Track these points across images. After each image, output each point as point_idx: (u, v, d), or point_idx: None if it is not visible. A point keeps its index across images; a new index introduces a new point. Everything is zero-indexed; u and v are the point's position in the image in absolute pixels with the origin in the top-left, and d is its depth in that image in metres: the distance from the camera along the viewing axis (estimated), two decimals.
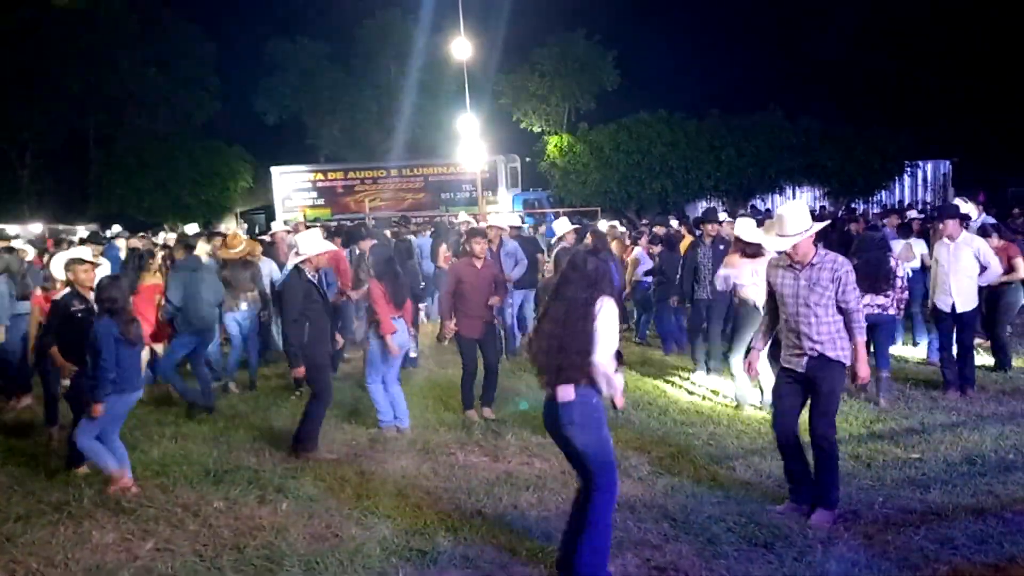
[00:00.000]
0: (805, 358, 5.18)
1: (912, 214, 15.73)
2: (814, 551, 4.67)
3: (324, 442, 7.11)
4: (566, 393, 4.27)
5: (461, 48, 23.83)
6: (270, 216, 31.77)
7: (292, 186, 32.24)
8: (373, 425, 7.46)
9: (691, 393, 8.56)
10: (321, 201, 31.65)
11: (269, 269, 10.00)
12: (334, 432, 7.43)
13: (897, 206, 27.08)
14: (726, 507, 5.39)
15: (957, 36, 29.01)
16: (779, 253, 5.45)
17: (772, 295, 5.42)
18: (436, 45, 32.77)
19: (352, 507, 5.63)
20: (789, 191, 30.86)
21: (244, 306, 9.23)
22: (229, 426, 7.78)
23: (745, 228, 7.72)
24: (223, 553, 5.00)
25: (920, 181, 30.78)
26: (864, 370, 5.22)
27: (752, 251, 7.56)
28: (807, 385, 5.21)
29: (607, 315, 4.30)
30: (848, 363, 5.20)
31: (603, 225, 11.30)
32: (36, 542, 5.26)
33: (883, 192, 30.30)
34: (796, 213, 5.24)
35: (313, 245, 6.90)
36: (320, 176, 32.42)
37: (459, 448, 6.89)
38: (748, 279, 7.55)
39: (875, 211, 27.37)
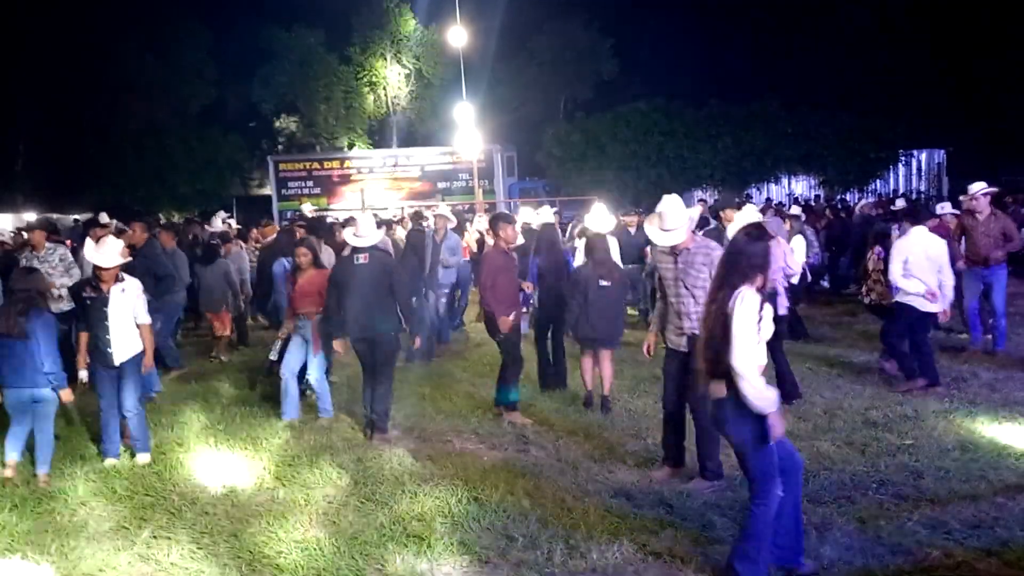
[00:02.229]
0: (685, 337, 5.56)
1: (900, 203, 15.79)
2: (808, 537, 4.69)
3: (319, 432, 7.14)
4: (718, 389, 4.11)
5: (458, 36, 23.76)
6: (267, 206, 31.69)
7: (288, 175, 32.14)
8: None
9: None
10: (318, 190, 31.54)
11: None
12: (332, 421, 7.45)
13: (891, 195, 27.13)
14: (722, 493, 5.42)
15: (953, 26, 28.98)
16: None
17: (660, 280, 5.80)
18: (432, 33, 32.66)
19: (349, 494, 5.65)
20: (785, 180, 30.87)
21: None
22: (226, 414, 7.80)
23: (751, 218, 7.61)
24: (220, 541, 5.02)
25: (915, 170, 30.78)
26: None
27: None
28: (683, 361, 5.59)
29: (744, 308, 3.98)
30: None
31: (541, 213, 11.68)
32: (32, 531, 5.27)
33: (878, 181, 30.30)
34: (675, 208, 5.61)
35: (374, 229, 7.26)
36: (316, 165, 32.32)
37: (455, 436, 6.91)
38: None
39: (869, 200, 27.36)
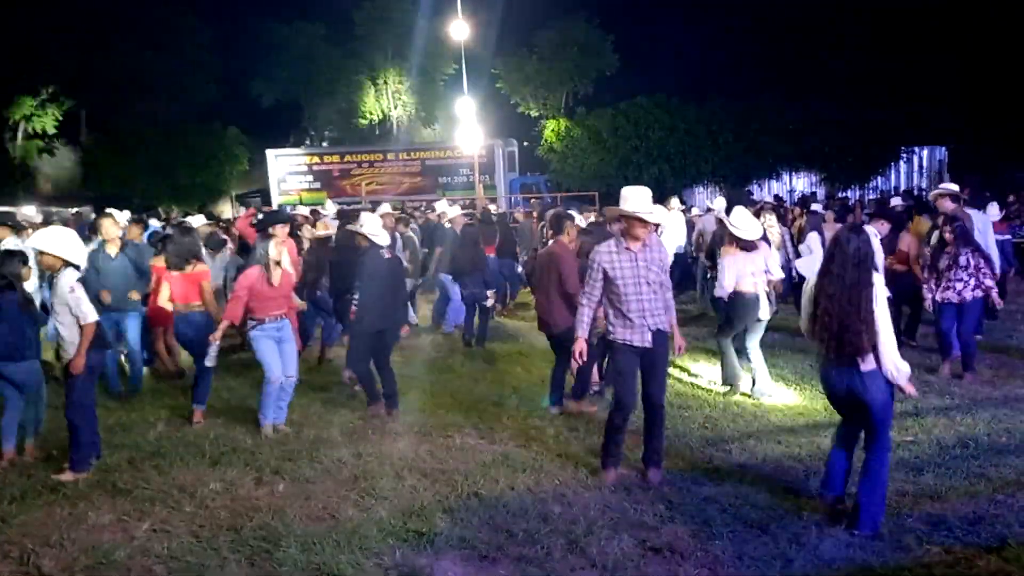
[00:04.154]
0: (649, 333, 5.53)
1: (896, 201, 15.79)
2: (809, 533, 4.70)
3: (321, 423, 7.15)
4: (869, 362, 4.60)
5: (459, 30, 23.72)
6: (266, 200, 31.68)
7: (288, 169, 32.13)
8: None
9: (688, 377, 8.58)
10: (317, 185, 31.54)
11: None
12: (331, 415, 7.45)
13: (893, 192, 27.11)
14: (721, 489, 5.41)
15: (954, 21, 28.91)
16: (610, 238, 5.78)
17: (605, 280, 5.60)
18: (434, 28, 32.63)
19: (349, 489, 5.65)
20: (786, 176, 30.85)
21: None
22: (226, 408, 7.79)
23: (742, 219, 7.59)
24: (220, 534, 5.01)
25: (916, 167, 30.75)
26: (680, 339, 5.78)
27: (748, 244, 7.56)
28: (643, 358, 5.57)
29: (883, 295, 4.61)
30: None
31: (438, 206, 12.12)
32: (32, 523, 5.27)
33: (879, 178, 30.29)
34: (644, 193, 5.60)
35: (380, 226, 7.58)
36: (316, 160, 32.29)
37: (456, 430, 6.89)
38: (748, 269, 7.55)
39: (871, 196, 27.36)
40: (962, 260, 7.82)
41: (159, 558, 4.75)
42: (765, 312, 7.64)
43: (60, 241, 6.08)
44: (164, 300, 7.49)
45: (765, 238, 8.43)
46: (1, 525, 5.26)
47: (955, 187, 9.60)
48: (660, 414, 5.69)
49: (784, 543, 4.61)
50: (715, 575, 4.34)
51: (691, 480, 5.59)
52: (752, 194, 27.42)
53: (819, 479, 5.51)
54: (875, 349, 4.58)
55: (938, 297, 8.02)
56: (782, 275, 8.00)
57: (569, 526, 4.90)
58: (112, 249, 8.35)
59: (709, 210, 13.54)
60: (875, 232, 8.63)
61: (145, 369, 9.15)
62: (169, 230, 10.87)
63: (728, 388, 7.87)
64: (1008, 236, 11.43)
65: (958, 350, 8.16)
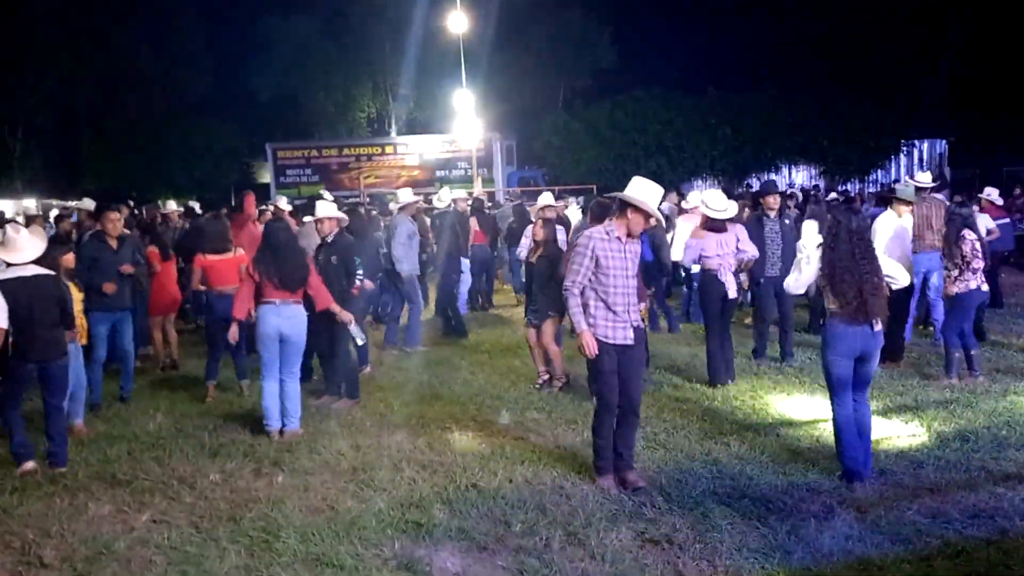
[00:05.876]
0: (631, 328, 5.38)
1: None
2: (807, 525, 4.70)
3: (318, 418, 7.14)
4: (879, 324, 5.27)
5: (457, 22, 23.66)
6: (265, 193, 31.63)
7: (286, 163, 32.08)
8: (372, 402, 7.48)
9: (686, 370, 8.57)
10: (316, 178, 31.49)
11: None
12: (328, 408, 7.44)
13: (892, 185, 27.11)
14: (720, 481, 5.41)
15: (954, 15, 28.89)
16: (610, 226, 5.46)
17: (595, 268, 5.31)
18: (431, 21, 32.56)
19: (348, 480, 5.64)
20: (784, 170, 30.85)
21: None
22: (225, 400, 7.79)
23: (716, 201, 7.85)
24: (219, 525, 5.01)
25: (916, 160, 30.76)
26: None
27: (717, 225, 7.79)
28: (621, 355, 5.36)
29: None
30: None
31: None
32: (32, 514, 5.26)
33: (879, 171, 30.30)
34: (659, 193, 5.45)
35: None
36: (314, 153, 32.25)
37: (454, 423, 6.90)
38: (713, 251, 7.76)
39: (871, 190, 27.36)
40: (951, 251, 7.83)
41: (159, 548, 4.75)
42: (732, 291, 7.78)
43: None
44: (197, 283, 7.94)
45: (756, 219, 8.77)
46: (2, 516, 5.26)
47: (928, 178, 9.94)
48: (635, 414, 5.51)
49: (783, 535, 4.60)
50: (713, 567, 4.34)
51: (689, 472, 5.59)
52: (751, 187, 27.37)
53: (818, 471, 5.53)
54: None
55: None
56: (756, 254, 8.08)
57: (567, 518, 4.90)
58: (113, 242, 8.19)
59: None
60: (896, 214, 8.63)
61: (136, 362, 9.08)
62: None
63: (714, 387, 7.75)
64: (1008, 220, 11.69)
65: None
